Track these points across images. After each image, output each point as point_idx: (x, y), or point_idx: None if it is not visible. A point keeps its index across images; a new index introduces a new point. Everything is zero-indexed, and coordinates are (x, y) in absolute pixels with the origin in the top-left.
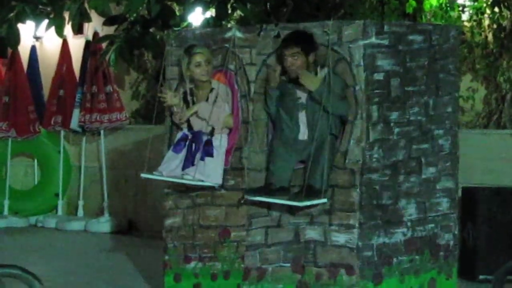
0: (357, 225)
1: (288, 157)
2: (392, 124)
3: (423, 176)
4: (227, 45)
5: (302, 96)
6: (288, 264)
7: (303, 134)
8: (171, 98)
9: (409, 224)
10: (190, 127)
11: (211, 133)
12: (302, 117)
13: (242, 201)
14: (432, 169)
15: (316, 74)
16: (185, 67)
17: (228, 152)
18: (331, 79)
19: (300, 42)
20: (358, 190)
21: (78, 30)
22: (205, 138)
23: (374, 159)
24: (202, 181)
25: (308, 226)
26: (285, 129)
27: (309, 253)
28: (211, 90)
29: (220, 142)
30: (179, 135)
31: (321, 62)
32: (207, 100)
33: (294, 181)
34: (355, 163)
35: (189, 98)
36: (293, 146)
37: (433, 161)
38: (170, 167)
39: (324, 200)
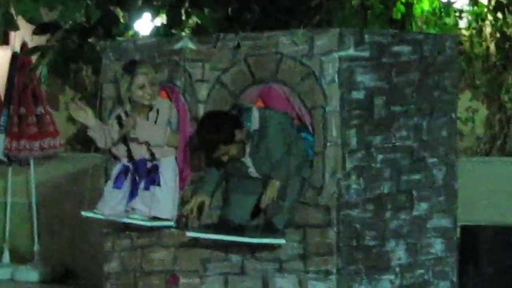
0: (335, 271)
1: (245, 197)
2: (373, 150)
3: (415, 213)
4: (176, 57)
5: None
6: None
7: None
8: (85, 116)
9: (397, 269)
10: (130, 157)
11: (153, 157)
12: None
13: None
14: (424, 205)
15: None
16: (124, 87)
17: (183, 179)
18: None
19: (217, 140)
20: (335, 229)
21: (3, 40)
22: (148, 164)
23: (352, 191)
24: (152, 219)
25: (278, 273)
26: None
27: None
28: (151, 108)
29: (168, 166)
30: (117, 168)
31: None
32: (147, 119)
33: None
34: (329, 197)
35: (124, 121)
36: (249, 187)
37: (426, 195)
38: (111, 203)
39: (282, 241)
